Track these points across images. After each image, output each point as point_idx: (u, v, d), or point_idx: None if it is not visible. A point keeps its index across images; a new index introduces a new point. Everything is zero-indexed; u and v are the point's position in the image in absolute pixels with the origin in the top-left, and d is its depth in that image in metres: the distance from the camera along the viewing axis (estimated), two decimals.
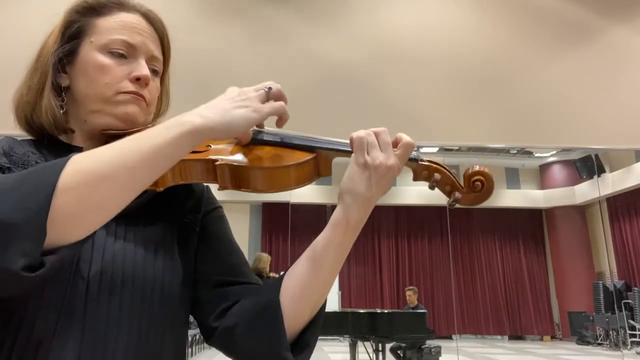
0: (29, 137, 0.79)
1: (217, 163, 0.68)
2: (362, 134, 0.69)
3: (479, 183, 0.71)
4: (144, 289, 0.67)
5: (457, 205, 0.72)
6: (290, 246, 8.53)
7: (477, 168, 0.71)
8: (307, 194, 9.30)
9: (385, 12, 3.71)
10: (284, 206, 8.10)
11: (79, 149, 0.76)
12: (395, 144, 0.69)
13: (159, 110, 0.86)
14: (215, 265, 0.77)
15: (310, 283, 0.70)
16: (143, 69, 0.75)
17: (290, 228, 7.61)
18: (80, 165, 0.56)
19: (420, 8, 3.77)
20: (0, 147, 0.71)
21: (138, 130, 0.76)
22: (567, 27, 3.72)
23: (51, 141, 0.77)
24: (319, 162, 0.72)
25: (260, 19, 3.60)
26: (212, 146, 0.73)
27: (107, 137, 0.77)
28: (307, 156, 0.70)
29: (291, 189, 0.71)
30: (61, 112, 0.75)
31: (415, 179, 0.72)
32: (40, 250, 0.52)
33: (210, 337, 0.73)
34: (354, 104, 3.43)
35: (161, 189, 0.70)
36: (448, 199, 0.71)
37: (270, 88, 0.68)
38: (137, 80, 0.75)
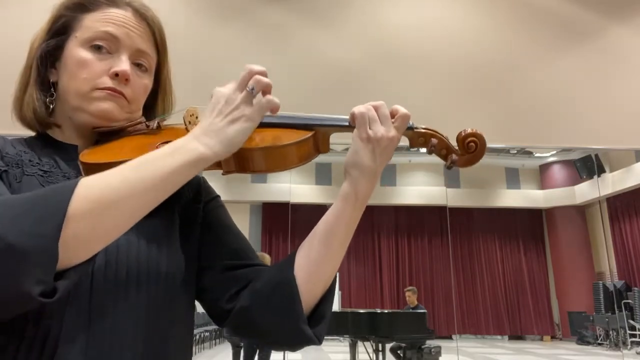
0: (19, 137, 0.78)
1: None
2: (363, 109, 0.72)
3: (472, 144, 0.75)
4: (148, 280, 0.68)
5: (454, 167, 0.76)
6: (290, 246, 8.52)
7: (469, 130, 0.75)
8: (307, 194, 9.30)
9: (385, 12, 3.70)
10: (284, 206, 8.10)
11: (73, 147, 0.76)
12: (392, 116, 0.73)
13: (163, 109, 0.86)
14: (222, 251, 0.79)
15: (323, 258, 0.72)
16: (123, 65, 0.74)
17: (290, 228, 7.60)
18: (90, 191, 0.56)
19: (420, 8, 3.77)
20: None
21: (128, 126, 0.76)
22: (567, 27, 3.72)
23: (44, 138, 0.77)
24: (317, 139, 0.75)
25: (260, 19, 3.60)
26: None
27: (98, 134, 0.77)
28: (306, 134, 0.73)
29: (294, 167, 0.73)
30: (45, 107, 0.75)
31: (412, 146, 0.76)
32: (52, 275, 0.53)
33: (225, 320, 0.74)
34: (354, 104, 3.43)
35: None
36: (445, 162, 0.76)
37: (253, 88, 0.68)
38: (116, 76, 0.74)
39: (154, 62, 0.81)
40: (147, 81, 0.80)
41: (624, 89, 3.62)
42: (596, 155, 8.40)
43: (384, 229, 10.55)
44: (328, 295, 0.73)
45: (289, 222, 7.58)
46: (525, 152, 10.08)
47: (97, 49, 0.74)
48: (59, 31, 0.77)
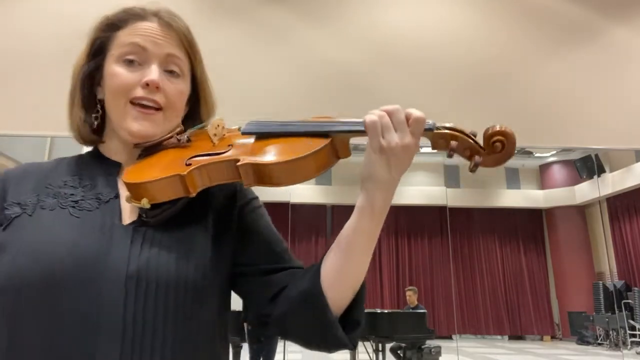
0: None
1: (238, 164, 0.70)
2: (375, 117, 0.68)
3: (499, 144, 0.68)
4: (177, 289, 0.70)
5: (480, 167, 0.70)
6: (290, 246, 8.46)
7: (497, 128, 0.68)
8: (307, 194, 9.29)
9: (384, 12, 3.70)
10: (284, 206, 8.10)
11: (116, 164, 0.82)
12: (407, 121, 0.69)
13: (207, 113, 0.88)
14: (257, 256, 0.80)
15: (344, 269, 0.72)
16: (152, 74, 0.77)
17: (290, 228, 7.61)
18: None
19: (419, 8, 3.77)
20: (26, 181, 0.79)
21: (163, 140, 0.79)
22: (567, 27, 3.72)
23: (95, 154, 0.85)
24: (335, 145, 0.72)
25: (259, 20, 3.60)
26: (234, 144, 0.76)
27: (140, 149, 0.81)
28: (323, 142, 0.70)
29: (314, 177, 0.71)
30: (89, 126, 0.81)
31: (434, 147, 0.71)
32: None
33: (265, 325, 0.77)
34: (354, 105, 3.43)
35: (193, 194, 0.73)
36: (469, 163, 0.69)
37: None
38: (147, 85, 0.77)
39: (186, 65, 0.83)
40: (182, 86, 0.82)
41: (624, 89, 3.62)
42: (596, 155, 8.39)
43: (384, 229, 10.36)
44: (359, 299, 0.75)
45: (289, 222, 7.57)
46: (525, 152, 10.07)
47: (129, 62, 0.78)
48: (97, 52, 0.81)
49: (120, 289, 0.67)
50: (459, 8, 3.78)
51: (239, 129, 0.79)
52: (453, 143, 0.68)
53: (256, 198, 0.88)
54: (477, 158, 0.68)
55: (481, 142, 0.69)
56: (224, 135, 0.79)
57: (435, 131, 0.69)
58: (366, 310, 5.94)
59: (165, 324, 0.69)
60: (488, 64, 3.63)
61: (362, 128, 0.69)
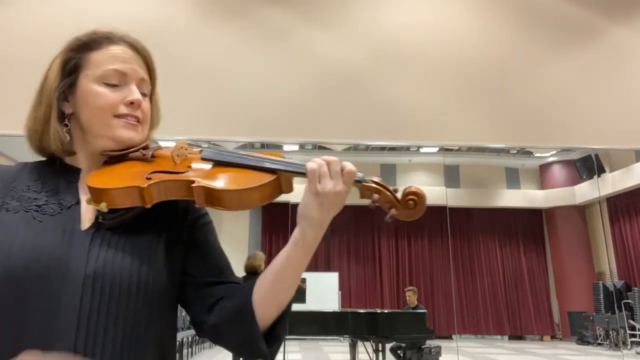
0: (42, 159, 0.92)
1: (193, 185, 0.79)
2: (315, 166, 0.79)
3: (412, 202, 0.80)
4: (129, 292, 0.77)
5: (396, 219, 0.81)
6: None
7: (412, 189, 0.80)
8: None
9: (385, 12, 3.71)
10: (284, 206, 8.09)
11: (77, 170, 0.89)
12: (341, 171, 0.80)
13: (152, 125, 0.97)
14: (201, 268, 0.89)
15: (274, 290, 0.83)
16: (135, 94, 0.87)
17: (290, 228, 7.59)
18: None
19: (420, 8, 3.77)
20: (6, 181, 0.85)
21: (130, 152, 0.88)
22: (567, 27, 3.72)
23: (54, 162, 0.90)
24: (281, 182, 0.82)
25: (260, 20, 3.60)
26: (192, 166, 0.85)
27: (107, 157, 0.89)
28: (270, 177, 0.81)
29: (259, 206, 0.80)
30: (67, 137, 0.87)
31: (362, 197, 0.81)
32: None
33: (201, 331, 0.87)
34: (354, 105, 3.43)
35: (149, 205, 0.81)
36: (387, 213, 0.81)
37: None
38: (131, 103, 0.87)
39: (149, 86, 0.94)
40: (149, 104, 0.93)
41: (624, 89, 3.62)
42: (596, 155, 8.40)
43: (384, 229, 10.55)
44: (282, 317, 0.84)
45: (289, 222, 7.58)
46: (525, 152, 10.08)
47: (109, 84, 0.87)
48: (71, 71, 0.88)
49: (78, 288, 0.74)
50: (459, 8, 3.78)
51: (200, 152, 0.88)
52: (375, 196, 0.80)
53: (207, 214, 0.95)
54: (393, 211, 0.80)
55: (399, 198, 0.81)
56: (186, 156, 0.88)
57: (363, 183, 0.80)
58: (366, 310, 5.96)
59: (117, 323, 0.75)
60: (488, 64, 3.63)
61: (304, 171, 0.80)
